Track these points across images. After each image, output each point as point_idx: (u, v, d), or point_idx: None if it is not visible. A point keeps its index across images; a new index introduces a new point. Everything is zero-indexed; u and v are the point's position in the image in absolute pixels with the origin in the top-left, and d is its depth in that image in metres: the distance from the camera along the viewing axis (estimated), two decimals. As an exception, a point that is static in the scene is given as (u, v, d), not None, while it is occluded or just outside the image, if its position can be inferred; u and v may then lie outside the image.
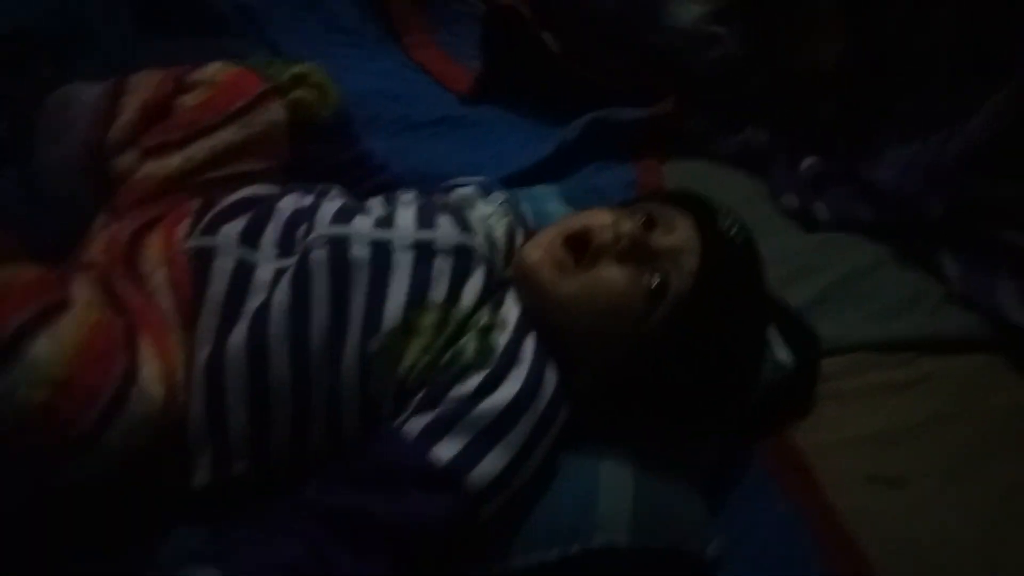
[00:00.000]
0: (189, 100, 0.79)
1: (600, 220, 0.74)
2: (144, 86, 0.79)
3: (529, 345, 0.72)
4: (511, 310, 0.74)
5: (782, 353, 0.87)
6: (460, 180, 0.91)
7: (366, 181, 0.91)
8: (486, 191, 0.87)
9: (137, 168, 0.77)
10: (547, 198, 1.05)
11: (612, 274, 0.72)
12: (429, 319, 0.70)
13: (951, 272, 1.08)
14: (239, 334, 0.69)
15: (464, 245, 0.73)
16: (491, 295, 0.74)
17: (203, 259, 0.71)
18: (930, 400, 0.95)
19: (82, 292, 0.65)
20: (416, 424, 0.67)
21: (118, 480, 0.66)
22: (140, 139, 0.77)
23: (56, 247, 0.75)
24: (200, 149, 0.77)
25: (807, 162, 1.22)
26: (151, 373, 0.63)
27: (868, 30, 1.21)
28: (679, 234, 0.74)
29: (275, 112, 0.81)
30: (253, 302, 0.70)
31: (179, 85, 0.80)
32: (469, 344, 0.70)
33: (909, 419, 0.92)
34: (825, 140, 1.24)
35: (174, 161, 0.77)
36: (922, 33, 1.16)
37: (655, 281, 0.72)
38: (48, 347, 0.57)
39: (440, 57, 1.34)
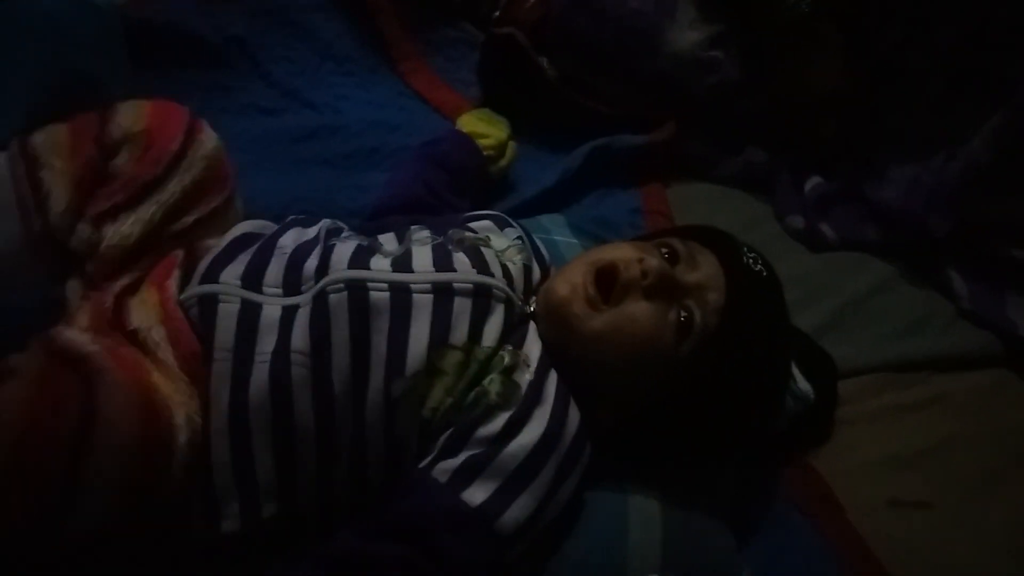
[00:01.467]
0: (123, 160, 0.76)
1: (626, 255, 0.74)
2: (56, 152, 0.75)
3: (551, 383, 0.72)
4: (532, 348, 0.73)
5: (802, 384, 0.87)
6: (473, 213, 0.90)
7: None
8: (500, 226, 0.86)
9: (95, 238, 0.74)
10: (554, 228, 1.05)
11: (640, 310, 0.72)
12: (452, 360, 0.69)
13: (960, 290, 1.09)
14: (259, 379, 0.67)
15: (483, 284, 0.73)
16: (511, 333, 0.73)
17: (207, 306, 0.70)
18: (947, 420, 0.95)
19: (21, 360, 0.63)
20: (446, 467, 0.67)
21: (147, 531, 0.65)
22: (85, 211, 0.74)
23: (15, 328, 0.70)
24: (154, 207, 0.75)
25: (811, 182, 1.23)
26: (118, 405, 0.60)
27: (865, 51, 1.22)
28: (704, 269, 0.74)
29: (209, 140, 0.79)
30: (265, 344, 0.69)
31: (101, 147, 0.76)
32: (493, 384, 0.69)
33: (927, 440, 0.93)
34: (827, 160, 1.25)
35: (134, 227, 0.74)
36: (919, 54, 1.17)
37: (682, 316, 0.72)
38: None
39: (437, 84, 1.33)
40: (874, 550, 0.80)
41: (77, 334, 0.66)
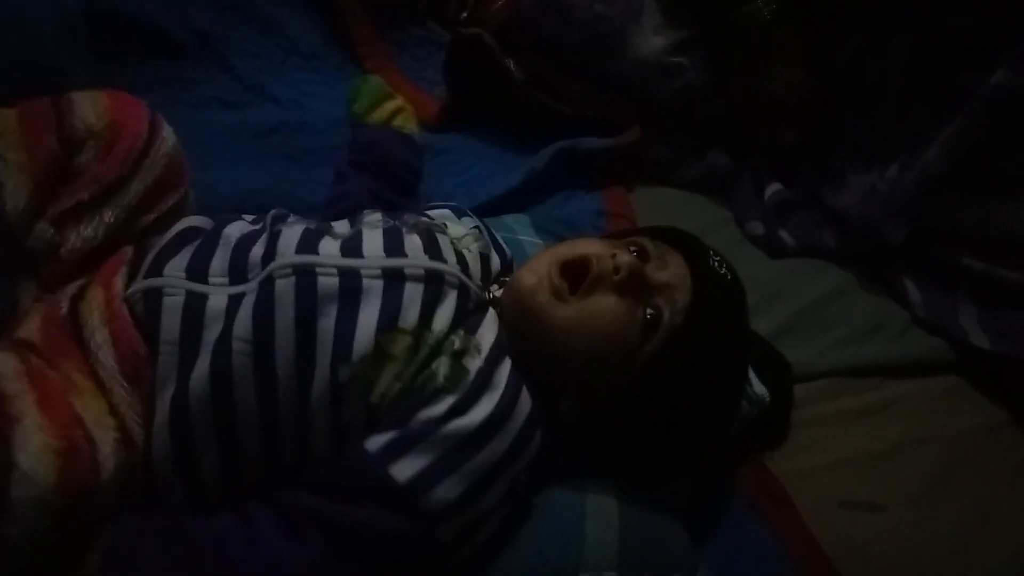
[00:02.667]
0: (85, 157, 0.74)
1: (598, 250, 0.74)
2: (11, 144, 0.72)
3: (504, 371, 0.71)
4: (485, 335, 0.73)
5: (758, 387, 0.88)
6: (431, 204, 0.89)
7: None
8: (457, 215, 0.86)
9: (55, 239, 0.72)
10: (518, 228, 1.05)
11: (609, 304, 0.72)
12: (401, 344, 0.68)
13: (914, 297, 1.11)
14: (201, 369, 0.66)
15: (435, 270, 0.72)
16: (465, 319, 0.73)
17: (151, 300, 0.68)
18: (899, 424, 0.97)
19: None
20: (379, 440, 0.66)
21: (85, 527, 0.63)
22: (46, 209, 0.72)
23: None
24: (118, 207, 0.74)
25: (771, 189, 1.24)
26: (35, 454, 0.58)
27: (824, 60, 1.24)
28: (673, 270, 0.75)
29: (168, 139, 0.78)
30: (211, 333, 0.67)
31: (63, 141, 0.73)
32: (441, 367, 0.69)
33: (880, 443, 0.94)
34: (786, 167, 1.27)
35: (97, 230, 0.73)
36: (876, 64, 1.19)
37: (650, 314, 0.72)
38: None
39: (403, 83, 1.33)
40: (827, 550, 0.81)
41: (5, 365, 0.63)
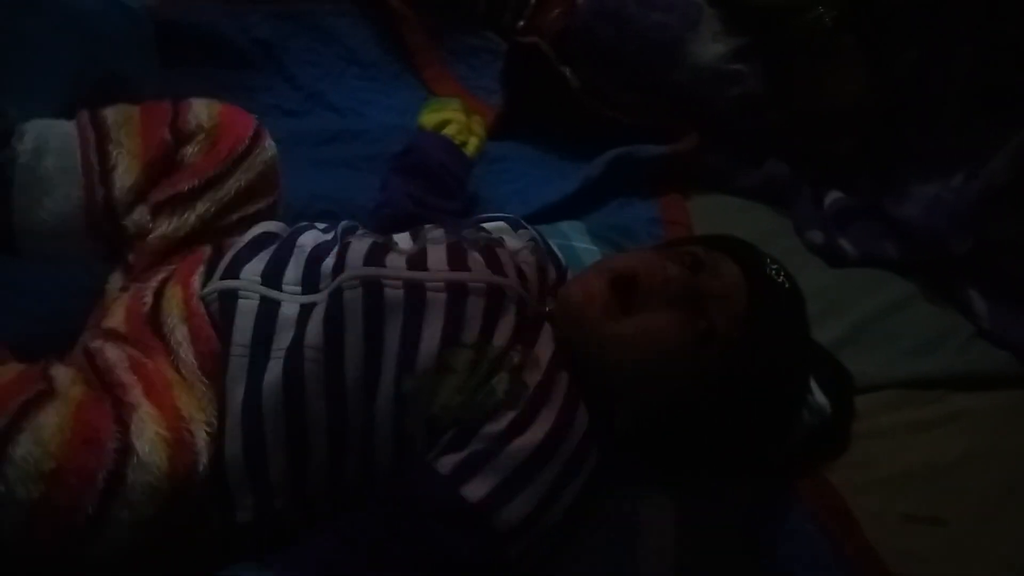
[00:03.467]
0: (192, 151, 0.79)
1: (648, 263, 0.74)
2: (129, 131, 0.78)
3: (561, 385, 0.72)
4: (544, 348, 0.73)
5: (819, 397, 0.87)
6: (488, 215, 0.90)
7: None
8: (513, 227, 0.87)
9: (148, 226, 0.76)
10: (573, 234, 1.05)
11: (662, 318, 0.72)
12: (463, 359, 0.69)
13: (979, 309, 1.09)
14: (273, 374, 0.68)
15: (496, 284, 0.73)
16: (523, 333, 0.73)
17: (226, 301, 0.70)
18: (962, 438, 0.95)
19: (65, 378, 0.64)
20: (449, 460, 0.67)
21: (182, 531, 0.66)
22: (148, 195, 0.77)
23: (47, 311, 0.73)
24: (211, 202, 0.78)
25: (830, 197, 1.23)
26: (150, 442, 0.61)
27: (887, 68, 1.22)
28: (727, 279, 0.74)
29: (269, 149, 0.82)
30: (281, 340, 0.69)
31: (175, 134, 0.79)
32: (501, 383, 0.70)
33: (942, 457, 0.92)
34: (846, 175, 1.25)
35: (189, 220, 0.77)
36: (939, 72, 1.17)
37: (704, 325, 0.72)
38: (33, 443, 0.57)
39: (459, 92, 1.34)
40: (888, 564, 0.80)
41: (115, 355, 0.67)
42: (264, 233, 0.78)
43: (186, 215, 0.77)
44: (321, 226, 0.83)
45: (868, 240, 1.18)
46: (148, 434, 0.61)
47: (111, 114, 0.79)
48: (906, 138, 1.22)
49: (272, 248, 0.75)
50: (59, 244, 0.77)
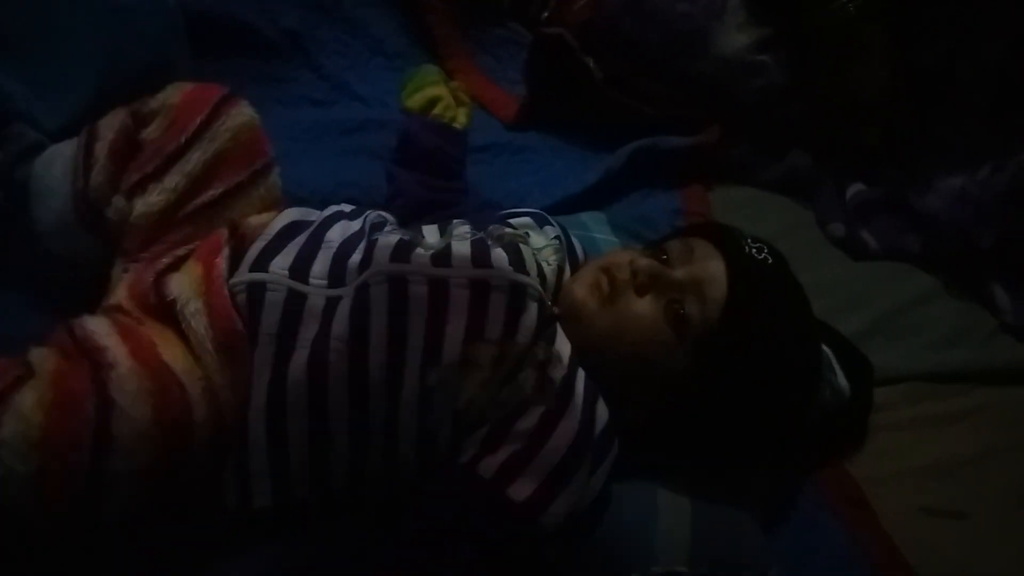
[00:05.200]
0: (152, 131, 0.80)
1: (619, 257, 0.78)
2: (109, 128, 0.80)
3: (581, 380, 0.74)
4: (563, 345, 0.75)
5: (841, 379, 0.87)
6: (514, 211, 0.91)
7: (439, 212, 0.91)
8: (539, 224, 0.87)
9: (127, 209, 0.77)
10: (594, 225, 1.06)
11: (634, 306, 0.74)
12: (488, 354, 0.71)
13: (1003, 304, 1.08)
14: (298, 364, 0.70)
15: (518, 282, 0.74)
16: (544, 330, 0.75)
17: (254, 293, 0.72)
18: (984, 431, 0.94)
19: (39, 357, 0.66)
20: (490, 463, 0.69)
21: (182, 506, 0.68)
22: (120, 182, 0.78)
23: (69, 303, 0.76)
24: (177, 177, 0.78)
25: (852, 189, 1.22)
26: (131, 394, 0.63)
27: (913, 59, 1.21)
28: (701, 263, 0.75)
29: (239, 115, 0.82)
30: (307, 331, 0.71)
31: (137, 118, 0.80)
32: (528, 379, 0.71)
33: (964, 450, 0.92)
34: (871, 167, 1.24)
35: (158, 197, 0.77)
36: (968, 63, 1.16)
37: (675, 309, 0.73)
38: (16, 420, 0.61)
39: (484, 83, 1.35)
40: (906, 557, 0.80)
41: (96, 324, 0.69)
42: (291, 223, 0.79)
43: (157, 192, 0.77)
44: (348, 209, 0.84)
45: (891, 233, 1.17)
46: (129, 387, 0.64)
47: (105, 119, 0.81)
48: (932, 130, 1.21)
49: (300, 241, 0.77)
50: (67, 241, 0.80)
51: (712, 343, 0.72)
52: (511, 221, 0.87)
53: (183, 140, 0.78)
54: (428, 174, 0.95)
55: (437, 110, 0.96)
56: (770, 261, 0.77)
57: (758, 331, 0.73)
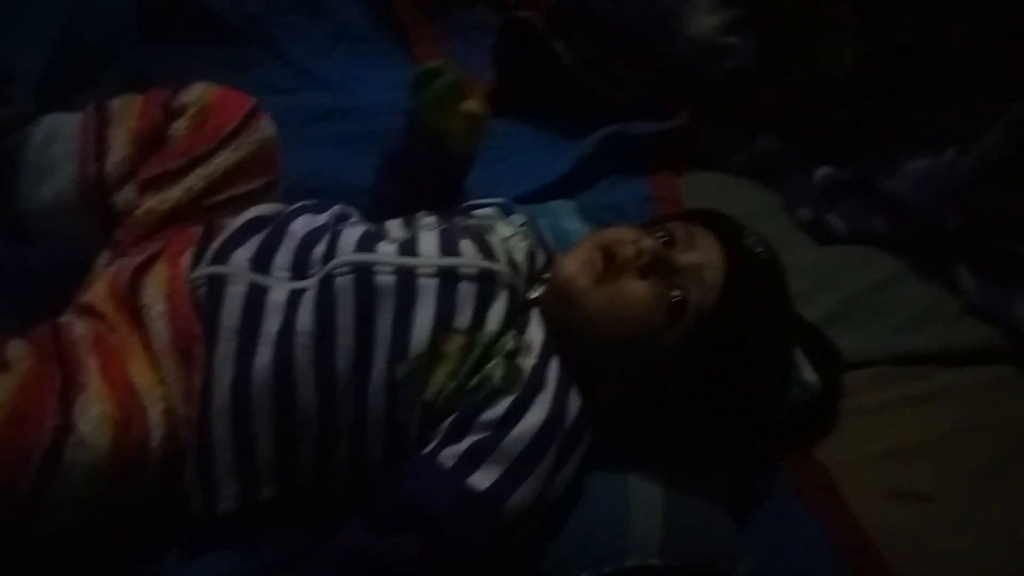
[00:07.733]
0: (180, 127, 0.80)
1: (622, 236, 0.76)
2: (127, 115, 0.80)
3: (553, 368, 0.73)
4: (535, 334, 0.74)
5: (808, 374, 0.87)
6: (478, 201, 0.90)
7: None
8: (505, 212, 0.87)
9: (136, 202, 0.77)
10: (563, 214, 1.05)
11: (633, 288, 0.73)
12: (455, 344, 0.70)
13: (967, 285, 1.08)
14: (263, 359, 0.69)
15: (487, 270, 0.74)
16: (515, 319, 0.74)
17: (214, 287, 0.71)
18: (949, 413, 0.95)
19: (17, 352, 0.65)
20: (452, 452, 0.68)
21: (140, 509, 0.67)
22: (137, 173, 0.78)
23: (48, 288, 0.76)
24: (198, 178, 0.78)
25: (820, 172, 1.22)
26: (94, 421, 0.62)
27: (882, 40, 1.21)
28: (702, 251, 0.75)
29: (264, 129, 0.83)
30: (270, 325, 0.70)
31: (167, 111, 0.80)
32: (496, 368, 0.71)
33: (930, 433, 0.92)
34: (839, 150, 1.24)
35: (175, 194, 0.77)
36: (936, 45, 1.17)
37: (675, 296, 0.72)
38: None
39: (450, 68, 1.34)
40: (875, 540, 0.81)
41: (82, 331, 0.68)
42: (256, 218, 0.78)
43: (172, 190, 0.77)
44: (312, 203, 0.83)
45: (857, 216, 1.17)
46: (93, 412, 0.62)
47: (116, 103, 0.81)
48: (899, 112, 1.21)
49: (263, 233, 0.76)
50: (58, 222, 0.79)
51: (701, 332, 0.72)
52: (476, 212, 0.86)
53: (211, 146, 0.78)
54: (418, 196, 0.87)
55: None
56: (767, 256, 0.78)
57: (749, 323, 0.74)
